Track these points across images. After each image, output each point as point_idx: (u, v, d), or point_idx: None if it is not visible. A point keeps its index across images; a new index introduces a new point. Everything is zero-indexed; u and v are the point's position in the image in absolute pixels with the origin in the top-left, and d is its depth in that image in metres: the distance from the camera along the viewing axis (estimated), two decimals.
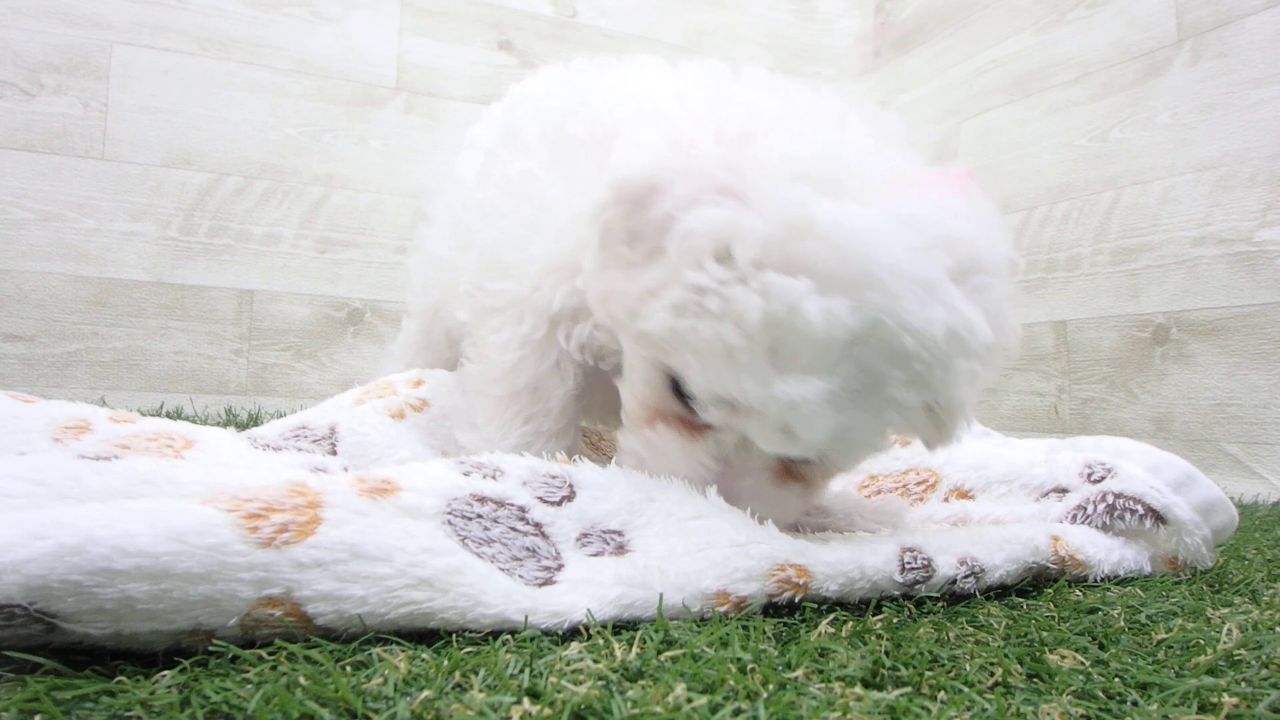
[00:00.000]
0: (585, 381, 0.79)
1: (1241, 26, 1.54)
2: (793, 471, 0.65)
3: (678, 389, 0.62)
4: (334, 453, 0.86)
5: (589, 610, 0.50)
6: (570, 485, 0.59)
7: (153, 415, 0.99)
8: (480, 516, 0.53)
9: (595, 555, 0.55)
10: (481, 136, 1.06)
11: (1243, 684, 0.45)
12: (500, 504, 0.55)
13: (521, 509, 0.56)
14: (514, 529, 0.54)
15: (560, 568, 0.53)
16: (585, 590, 0.51)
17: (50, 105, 1.86)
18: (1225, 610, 0.62)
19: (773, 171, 0.57)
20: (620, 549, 0.56)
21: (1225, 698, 0.42)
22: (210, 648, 0.42)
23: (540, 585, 0.51)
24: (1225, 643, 0.52)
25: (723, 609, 0.53)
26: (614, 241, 0.62)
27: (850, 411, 0.56)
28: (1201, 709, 0.41)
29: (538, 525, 0.55)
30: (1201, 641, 0.53)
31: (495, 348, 0.78)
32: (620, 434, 0.69)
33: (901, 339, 0.55)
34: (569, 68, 0.98)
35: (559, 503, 0.57)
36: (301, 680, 0.38)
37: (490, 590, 0.48)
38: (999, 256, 0.62)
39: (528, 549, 0.53)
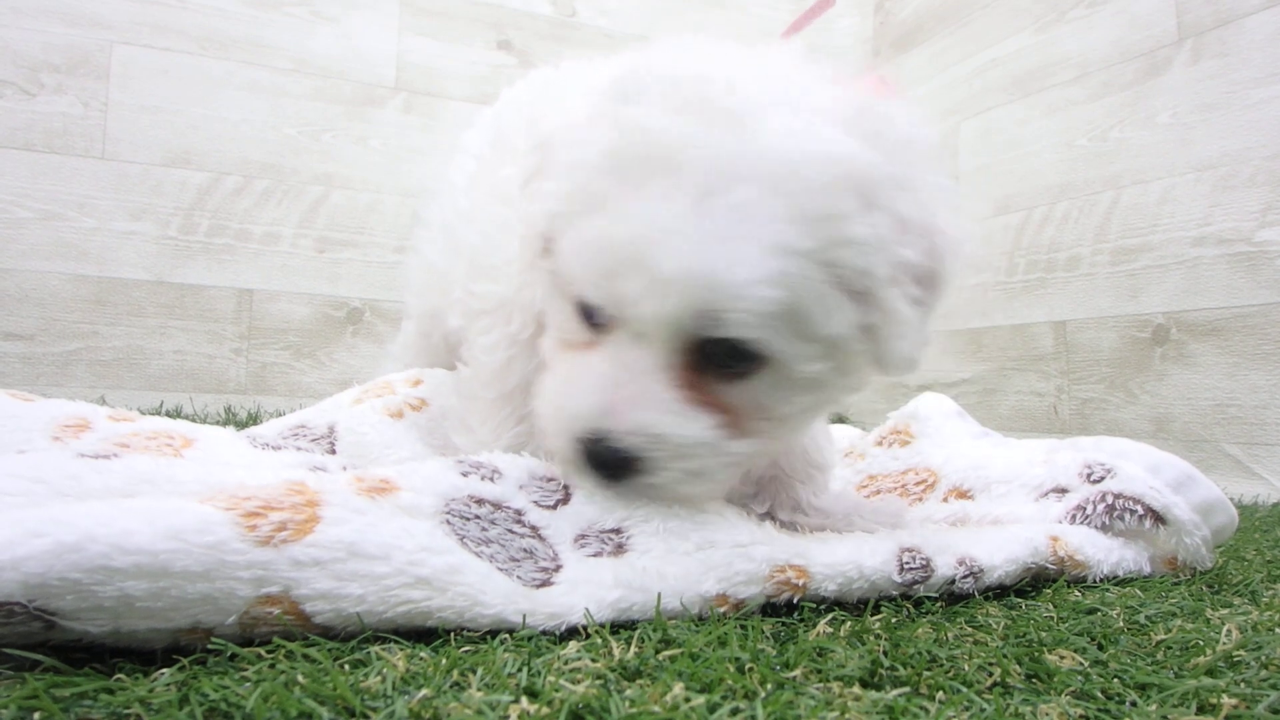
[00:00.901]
0: None
1: (1241, 26, 1.54)
2: (706, 396, 0.57)
3: (587, 316, 0.61)
4: (333, 452, 0.86)
5: (587, 611, 0.50)
6: (566, 487, 0.59)
7: (152, 414, 0.99)
8: (478, 517, 0.53)
9: (594, 555, 0.55)
10: (472, 141, 1.06)
11: (1242, 685, 0.45)
12: (498, 506, 0.55)
13: (518, 512, 0.56)
14: (511, 530, 0.54)
15: (558, 568, 0.53)
16: (584, 591, 0.51)
17: (50, 105, 1.86)
18: (1224, 611, 0.62)
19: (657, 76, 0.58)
20: (619, 548, 0.56)
21: (1224, 698, 0.42)
22: (209, 646, 0.42)
23: (538, 586, 0.51)
24: (1224, 644, 0.52)
25: (721, 609, 0.53)
26: (533, 181, 0.64)
27: (726, 243, 0.52)
28: (1200, 710, 0.41)
29: (534, 528, 0.55)
30: (1200, 642, 0.53)
31: (485, 349, 0.78)
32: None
33: (769, 163, 0.52)
34: (559, 69, 0.98)
35: (554, 506, 0.57)
36: (300, 678, 0.38)
37: (489, 590, 0.48)
38: (915, 138, 0.60)
39: (525, 550, 0.53)
